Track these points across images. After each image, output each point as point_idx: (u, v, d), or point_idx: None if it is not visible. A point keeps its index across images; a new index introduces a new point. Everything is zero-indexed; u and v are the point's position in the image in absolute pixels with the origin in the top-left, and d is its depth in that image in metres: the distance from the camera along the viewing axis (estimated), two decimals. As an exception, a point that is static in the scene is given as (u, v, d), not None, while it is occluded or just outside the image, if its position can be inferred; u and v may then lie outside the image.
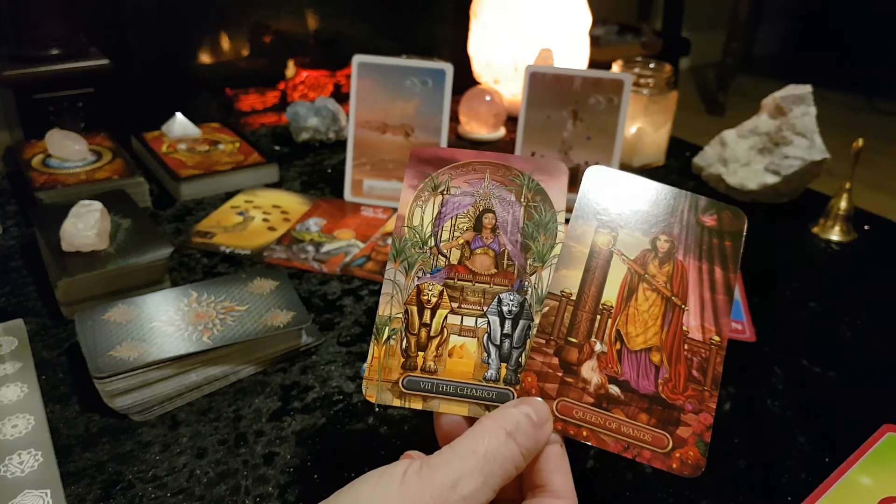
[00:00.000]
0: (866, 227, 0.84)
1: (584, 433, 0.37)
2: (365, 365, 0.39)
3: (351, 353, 0.59)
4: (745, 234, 0.41)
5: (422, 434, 0.50)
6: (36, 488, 0.44)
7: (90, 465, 0.47)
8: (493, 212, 0.42)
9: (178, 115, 0.97)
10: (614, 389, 0.38)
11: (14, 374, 0.54)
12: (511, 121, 1.08)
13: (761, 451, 0.51)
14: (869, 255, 0.79)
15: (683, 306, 0.39)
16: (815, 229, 0.82)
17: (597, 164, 0.85)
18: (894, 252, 0.80)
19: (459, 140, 1.08)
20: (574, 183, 0.42)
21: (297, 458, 0.48)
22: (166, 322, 0.55)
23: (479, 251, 0.41)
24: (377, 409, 0.53)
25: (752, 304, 0.68)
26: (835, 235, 0.81)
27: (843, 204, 0.81)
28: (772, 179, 0.86)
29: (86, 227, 0.62)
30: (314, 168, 0.95)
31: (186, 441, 0.50)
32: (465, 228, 0.41)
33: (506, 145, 1.06)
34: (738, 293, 0.69)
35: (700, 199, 0.42)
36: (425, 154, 0.43)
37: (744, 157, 0.90)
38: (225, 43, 1.70)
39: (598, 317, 0.39)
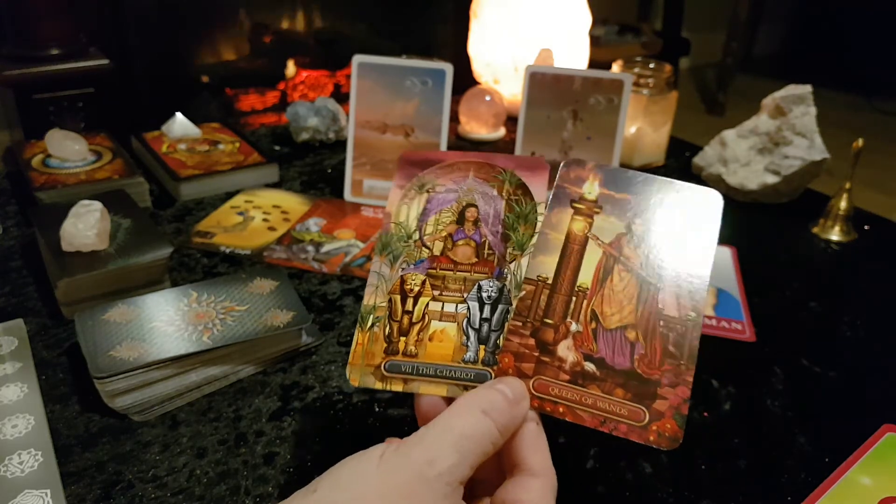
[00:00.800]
0: (866, 227, 0.84)
1: (561, 409, 0.37)
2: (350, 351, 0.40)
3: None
4: (720, 214, 0.41)
5: (422, 434, 0.50)
6: (36, 488, 0.44)
7: (90, 465, 0.47)
8: (476, 206, 0.43)
9: (178, 115, 0.97)
10: (590, 366, 0.38)
11: (14, 374, 0.54)
12: (511, 121, 1.08)
13: (761, 451, 0.51)
14: (869, 255, 0.79)
15: (658, 285, 0.40)
16: (815, 229, 0.82)
17: (597, 164, 0.85)
18: (894, 252, 0.80)
19: (459, 140, 1.08)
20: None
21: (297, 458, 0.49)
22: (166, 322, 0.55)
23: (461, 242, 0.43)
24: (377, 409, 0.53)
25: (752, 304, 0.68)
26: (835, 235, 0.81)
27: (843, 204, 0.81)
28: (772, 179, 0.86)
29: (86, 227, 0.62)
30: (314, 168, 0.95)
31: (186, 441, 0.50)
32: (448, 222, 0.43)
33: (506, 145, 1.06)
34: (738, 293, 0.69)
35: (675, 183, 0.43)
36: (414, 157, 0.45)
37: (744, 157, 0.90)
38: (225, 43, 1.70)
39: (574, 298, 0.40)
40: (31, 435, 0.48)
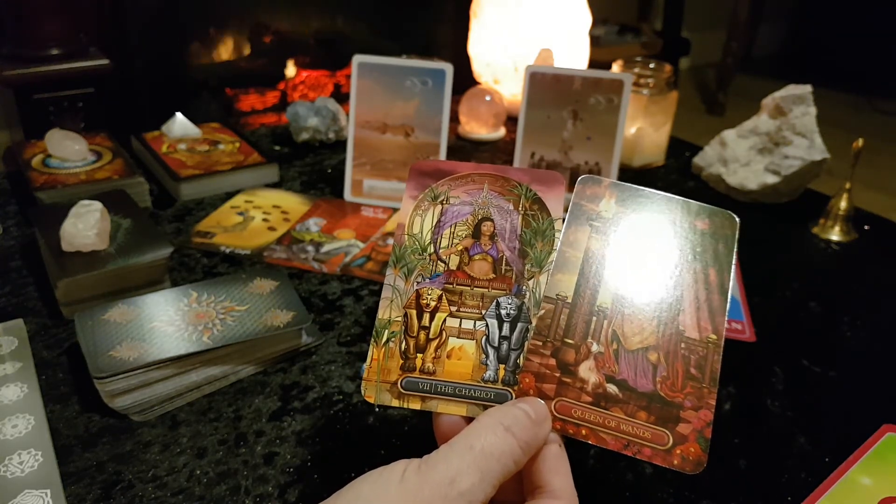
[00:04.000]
0: (866, 227, 0.84)
1: (584, 432, 0.37)
2: (364, 366, 0.39)
3: (351, 353, 0.59)
4: (737, 236, 0.42)
5: (422, 434, 0.50)
6: (36, 488, 0.44)
7: (90, 465, 0.47)
8: (492, 220, 0.42)
9: (178, 115, 0.97)
10: (612, 388, 0.38)
11: (14, 374, 0.54)
12: (511, 121, 1.08)
13: (761, 451, 0.51)
14: (869, 255, 0.79)
15: (678, 306, 0.40)
16: (815, 229, 0.82)
17: (597, 164, 0.85)
18: (894, 252, 0.80)
19: (459, 140, 1.08)
20: (573, 183, 0.42)
21: (297, 458, 0.49)
22: (166, 322, 0.55)
23: (477, 257, 0.42)
24: (377, 408, 0.53)
25: (752, 304, 0.68)
26: (835, 235, 0.81)
27: (843, 204, 0.81)
28: (772, 179, 0.86)
29: (86, 227, 0.62)
30: (314, 168, 0.95)
31: (186, 441, 0.50)
32: (463, 236, 0.42)
33: (506, 145, 1.06)
34: (738, 293, 0.69)
35: (691, 204, 0.43)
36: (426, 167, 0.44)
37: (744, 157, 0.90)
38: (225, 43, 1.70)
39: (594, 318, 0.39)
40: (31, 435, 0.48)
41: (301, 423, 0.52)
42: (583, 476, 0.48)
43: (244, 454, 0.49)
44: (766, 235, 0.82)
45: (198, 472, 0.47)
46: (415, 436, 0.51)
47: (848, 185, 0.81)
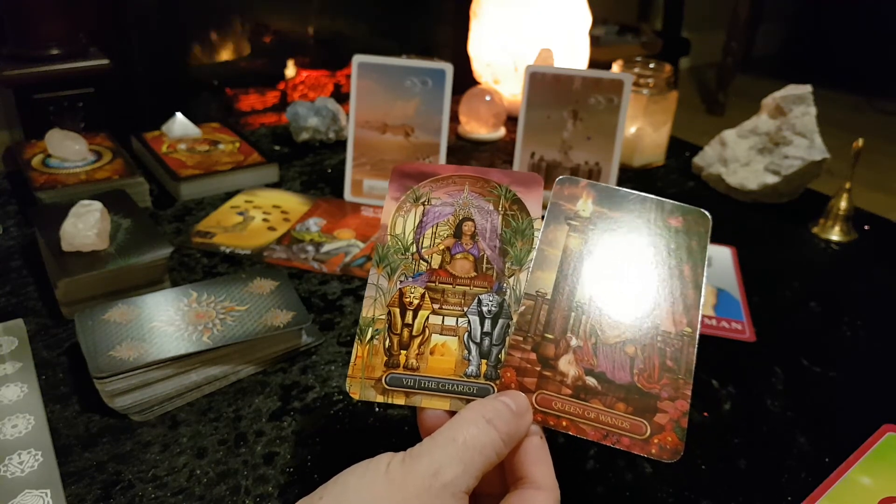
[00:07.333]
0: (866, 227, 0.84)
1: (564, 423, 0.38)
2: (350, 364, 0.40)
3: (351, 353, 0.59)
4: (709, 233, 0.43)
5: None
6: (36, 488, 0.44)
7: (90, 465, 0.47)
8: (472, 220, 0.44)
9: (178, 115, 0.97)
10: (591, 381, 0.39)
11: (14, 374, 0.54)
12: (511, 121, 1.08)
13: (761, 451, 0.51)
14: (869, 255, 0.79)
15: (654, 301, 0.41)
16: (815, 229, 0.82)
17: (597, 164, 0.85)
18: (894, 252, 0.80)
19: (459, 140, 1.08)
20: None
21: (297, 458, 0.49)
22: (166, 322, 0.55)
23: (459, 256, 0.43)
24: (377, 409, 0.53)
25: (752, 304, 0.68)
26: (835, 235, 0.81)
27: (843, 204, 0.81)
28: (772, 179, 0.86)
29: (86, 227, 0.62)
30: (314, 168, 0.95)
31: (186, 441, 0.50)
32: (445, 235, 0.43)
33: (506, 145, 1.06)
34: (738, 293, 0.69)
35: (666, 203, 0.44)
36: (407, 169, 0.45)
37: (744, 157, 0.90)
38: (225, 43, 1.70)
39: (573, 314, 0.40)
40: (31, 435, 0.48)
41: (301, 423, 0.52)
42: (583, 476, 0.48)
43: (244, 454, 0.49)
44: (766, 235, 0.82)
45: (198, 472, 0.47)
46: (415, 436, 0.51)
47: (848, 185, 0.81)
